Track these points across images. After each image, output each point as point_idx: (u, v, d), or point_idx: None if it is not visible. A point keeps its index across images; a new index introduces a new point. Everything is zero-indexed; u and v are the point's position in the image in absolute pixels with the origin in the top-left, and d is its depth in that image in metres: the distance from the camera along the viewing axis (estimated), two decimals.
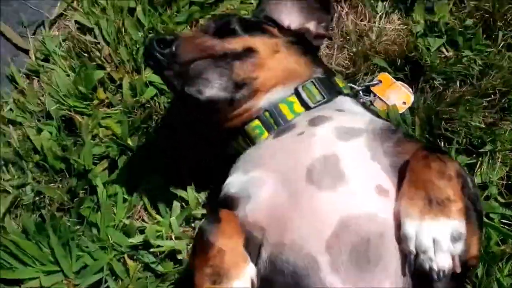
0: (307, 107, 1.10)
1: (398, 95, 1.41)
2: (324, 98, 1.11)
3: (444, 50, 1.39)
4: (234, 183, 1.06)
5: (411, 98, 1.41)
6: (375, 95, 1.43)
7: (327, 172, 0.94)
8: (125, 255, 1.37)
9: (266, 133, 1.09)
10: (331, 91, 1.14)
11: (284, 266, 0.90)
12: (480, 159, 1.35)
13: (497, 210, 1.30)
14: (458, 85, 1.36)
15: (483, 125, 1.32)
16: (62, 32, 1.58)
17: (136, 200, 1.42)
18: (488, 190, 1.33)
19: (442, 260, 0.81)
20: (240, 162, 1.11)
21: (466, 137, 1.35)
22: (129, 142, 1.41)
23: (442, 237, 0.82)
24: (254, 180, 1.02)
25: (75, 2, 1.56)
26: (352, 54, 1.42)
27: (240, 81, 1.07)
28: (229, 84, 1.06)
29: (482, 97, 1.34)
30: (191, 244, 1.34)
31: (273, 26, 1.25)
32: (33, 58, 1.58)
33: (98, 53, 1.48)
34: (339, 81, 1.21)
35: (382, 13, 1.46)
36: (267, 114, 1.10)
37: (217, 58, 1.06)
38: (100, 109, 1.46)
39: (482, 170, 1.35)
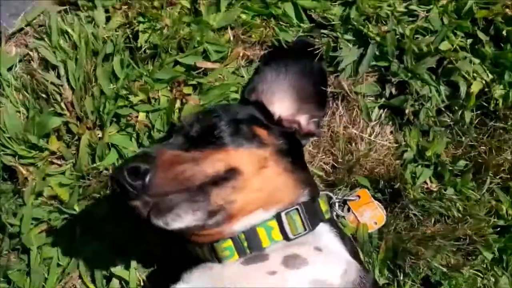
0: (286, 237, 1.04)
1: (371, 214, 1.37)
2: (305, 230, 1.05)
3: (428, 181, 1.35)
4: None
5: (383, 220, 1.37)
6: (349, 208, 1.39)
7: None
8: None
9: (236, 256, 1.03)
10: (314, 220, 1.09)
11: None
12: None
13: None
14: (432, 223, 1.35)
15: (444, 269, 1.33)
16: (20, 52, 1.37)
17: (72, 268, 1.32)
18: None
19: None
20: (197, 273, 1.06)
21: (426, 275, 1.36)
22: (76, 208, 1.29)
23: None
24: None
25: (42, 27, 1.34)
26: (336, 163, 1.35)
27: (215, 209, 0.99)
28: (203, 215, 0.97)
29: (452, 240, 1.33)
30: None
31: (264, 126, 1.16)
32: None
33: (58, 97, 1.30)
34: (322, 203, 1.14)
35: (376, 123, 1.38)
36: (242, 236, 1.03)
37: (195, 190, 0.96)
38: (49, 159, 1.31)
39: None
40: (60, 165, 1.32)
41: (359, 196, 1.37)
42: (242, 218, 1.03)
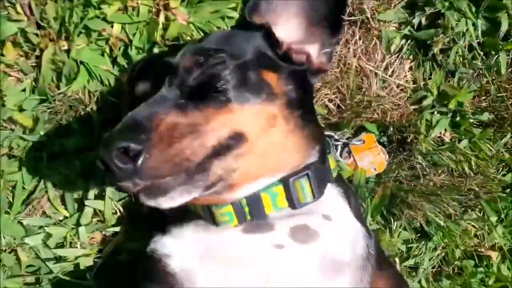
0: (291, 205, 0.95)
1: (372, 160, 1.26)
2: (314, 197, 0.96)
3: (443, 131, 1.22)
4: (177, 256, 0.94)
5: (383, 167, 1.27)
6: (349, 151, 1.27)
7: None
8: (18, 248, 1.22)
9: (235, 222, 0.94)
10: (323, 184, 0.99)
11: None
12: (422, 244, 1.34)
13: None
14: (438, 173, 1.25)
15: (442, 222, 1.27)
16: None
17: (40, 193, 1.21)
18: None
19: None
20: (190, 230, 0.97)
21: (420, 224, 1.31)
22: (41, 133, 1.13)
23: None
24: (208, 274, 0.91)
25: None
26: (342, 103, 1.19)
27: (214, 181, 0.86)
28: (199, 192, 0.85)
29: (456, 195, 1.26)
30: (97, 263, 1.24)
31: (272, 67, 0.98)
32: None
33: None
34: (331, 161, 1.04)
35: (395, 56, 1.19)
36: (244, 201, 0.93)
37: (194, 170, 0.82)
38: (4, 70, 1.10)
39: (421, 252, 1.35)
40: (19, 79, 1.13)
41: (363, 141, 1.25)
42: (244, 186, 0.92)
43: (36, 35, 1.08)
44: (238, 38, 1.01)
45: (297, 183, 0.94)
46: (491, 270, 1.36)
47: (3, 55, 1.10)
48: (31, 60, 1.13)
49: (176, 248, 0.95)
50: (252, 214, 0.93)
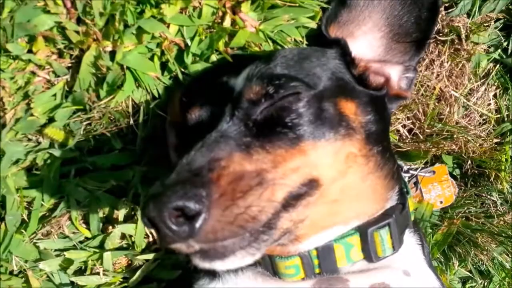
0: (368, 257, 0.87)
1: (440, 193, 1.20)
2: (393, 250, 0.88)
3: None
4: None
5: (451, 201, 1.21)
6: (416, 182, 1.20)
7: None
8: (30, 273, 1.12)
9: (302, 275, 0.86)
10: (403, 233, 0.92)
11: None
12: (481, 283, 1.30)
13: None
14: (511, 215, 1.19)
15: (508, 265, 1.23)
16: None
17: (60, 212, 1.10)
18: None
19: None
20: (246, 279, 0.90)
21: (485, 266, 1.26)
22: (72, 148, 1.01)
23: None
24: None
25: None
26: (419, 130, 1.11)
27: (280, 235, 0.77)
28: (264, 249, 0.75)
29: None
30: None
31: (349, 94, 0.88)
32: None
33: None
34: (411, 203, 0.97)
35: (481, 83, 1.11)
36: (314, 253, 0.85)
37: (259, 230, 0.72)
38: (31, 69, 0.97)
39: None
40: (49, 81, 0.99)
41: (434, 172, 1.18)
42: (312, 237, 0.84)
43: (77, 32, 0.94)
44: (311, 60, 0.90)
45: (376, 234, 0.87)
46: None
47: (32, 51, 0.97)
48: (65, 61, 0.99)
49: None
50: (322, 266, 0.86)
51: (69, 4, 0.93)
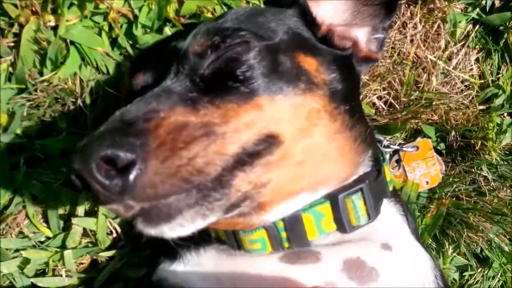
0: (341, 227, 0.77)
1: (425, 171, 1.08)
2: (369, 218, 0.79)
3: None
4: (194, 285, 0.77)
5: (438, 180, 1.09)
6: (399, 160, 1.07)
7: None
8: None
9: (269, 249, 0.76)
10: (379, 201, 0.81)
11: None
12: (479, 271, 1.15)
13: None
14: (504, 188, 1.06)
15: (507, 247, 1.08)
16: None
17: (16, 208, 0.99)
18: None
19: None
20: (209, 257, 0.80)
21: (480, 249, 1.12)
22: (19, 131, 0.91)
23: None
24: None
25: None
26: (396, 100, 0.98)
27: (238, 200, 0.66)
28: (217, 215, 0.64)
29: None
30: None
31: (310, 50, 0.78)
32: None
33: None
34: (387, 171, 0.87)
35: (460, 45, 0.99)
36: (280, 224, 0.75)
37: (209, 186, 0.61)
38: None
39: (474, 280, 1.17)
40: None
41: (417, 147, 1.05)
42: (278, 205, 0.73)
43: (15, 6, 0.86)
44: (265, 16, 0.81)
45: (348, 200, 0.77)
46: None
47: None
48: (7, 40, 0.91)
49: (193, 277, 0.78)
50: (291, 239, 0.75)
51: None
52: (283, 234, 0.76)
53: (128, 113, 0.62)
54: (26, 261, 1.03)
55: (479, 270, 1.16)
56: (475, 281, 1.17)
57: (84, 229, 1.05)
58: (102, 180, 0.55)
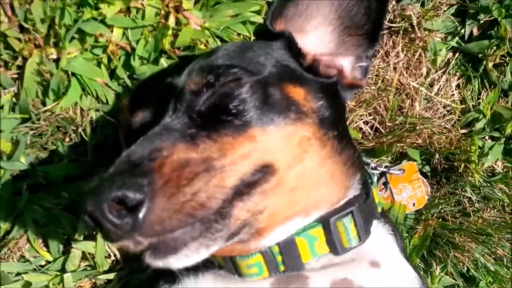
0: (334, 250, 0.80)
1: (412, 193, 1.11)
2: (360, 240, 0.81)
3: (495, 162, 1.05)
4: None
5: (424, 202, 1.12)
6: (386, 183, 1.09)
7: None
8: None
9: (266, 274, 0.79)
10: (369, 222, 0.84)
11: None
12: None
13: None
14: (487, 209, 1.08)
15: (492, 267, 1.09)
16: None
17: (18, 232, 1.01)
18: None
19: None
20: (206, 281, 0.82)
21: (467, 268, 1.13)
22: (22, 160, 0.93)
23: None
24: None
25: None
26: (381, 125, 1.02)
27: (237, 228, 0.69)
28: (220, 245, 0.68)
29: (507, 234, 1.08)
30: None
31: (297, 80, 0.81)
32: None
33: None
34: (375, 193, 0.89)
35: (441, 72, 1.03)
36: (275, 249, 0.78)
37: (211, 219, 0.65)
38: None
39: None
40: None
41: (403, 170, 1.08)
42: (274, 230, 0.76)
43: (19, 40, 0.90)
44: (254, 50, 0.85)
45: (339, 223, 0.80)
46: None
47: None
48: (11, 72, 0.94)
49: None
50: (286, 263, 0.78)
51: (9, 12, 0.90)
52: (279, 258, 0.78)
53: (134, 154, 0.66)
54: (27, 285, 1.06)
55: None
56: None
57: (83, 252, 1.08)
58: (114, 220, 0.59)
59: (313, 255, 0.79)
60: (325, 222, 0.78)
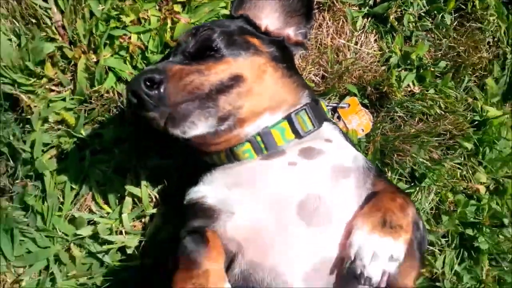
0: (298, 135, 1.13)
1: (359, 122, 1.48)
2: (314, 127, 1.14)
3: (411, 84, 1.42)
4: (211, 194, 1.11)
5: (370, 127, 1.48)
6: (339, 116, 1.45)
7: (318, 212, 1.04)
8: (72, 245, 1.37)
9: (255, 156, 1.12)
10: (320, 118, 1.18)
11: (257, 285, 1.01)
12: (417, 189, 1.49)
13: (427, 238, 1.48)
14: (416, 121, 1.44)
15: (428, 163, 1.43)
16: None
17: (85, 191, 1.38)
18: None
19: (374, 270, 0.95)
20: (217, 175, 1.14)
21: (411, 169, 1.47)
22: (82, 132, 1.32)
23: (382, 253, 0.96)
24: (240, 197, 1.08)
25: None
26: (325, 73, 1.41)
27: (225, 114, 1.05)
28: (214, 121, 1.04)
29: (434, 136, 1.44)
30: (142, 242, 1.38)
31: (254, 35, 1.20)
32: None
33: (48, 21, 1.31)
34: (323, 105, 1.24)
35: (361, 32, 1.43)
36: (258, 138, 1.11)
37: (204, 98, 1.02)
38: (47, 86, 1.32)
39: (417, 198, 1.50)
40: (59, 92, 1.34)
41: (348, 104, 1.44)
42: (253, 121, 1.10)
43: (70, 49, 1.32)
44: (222, 20, 1.28)
45: (298, 116, 1.13)
46: (482, 202, 1.49)
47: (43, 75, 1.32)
48: (67, 75, 1.35)
49: (208, 189, 1.12)
50: (267, 147, 1.10)
51: (62, 31, 1.29)
52: (262, 145, 1.10)
53: (151, 66, 1.06)
54: (96, 227, 1.38)
55: (417, 189, 1.50)
56: (417, 199, 1.51)
57: (134, 200, 1.43)
58: (147, 90, 0.97)
59: (284, 141, 1.11)
60: (288, 117, 1.12)
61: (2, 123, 1.31)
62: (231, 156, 1.14)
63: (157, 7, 1.38)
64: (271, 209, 1.05)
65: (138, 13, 1.33)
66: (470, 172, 1.55)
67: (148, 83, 0.98)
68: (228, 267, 1.04)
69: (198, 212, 1.10)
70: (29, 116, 1.32)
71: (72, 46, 1.35)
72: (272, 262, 1.01)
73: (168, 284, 0.98)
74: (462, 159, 1.53)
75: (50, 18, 1.34)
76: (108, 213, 1.42)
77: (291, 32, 1.32)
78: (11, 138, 1.30)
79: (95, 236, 1.40)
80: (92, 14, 1.34)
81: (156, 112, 0.99)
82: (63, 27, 1.33)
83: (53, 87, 1.37)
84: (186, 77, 1.01)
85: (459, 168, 1.54)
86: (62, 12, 1.34)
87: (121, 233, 1.41)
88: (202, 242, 1.01)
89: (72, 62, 1.36)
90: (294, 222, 1.03)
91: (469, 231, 1.54)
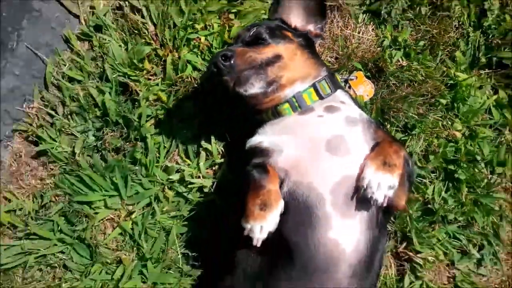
0: (320, 97, 1.62)
1: (364, 89, 2.00)
2: (331, 91, 1.66)
3: (400, 59, 1.95)
4: (265, 140, 1.59)
5: (372, 92, 2.02)
6: (350, 86, 1.98)
7: (339, 146, 1.49)
8: (165, 187, 1.93)
9: (292, 112, 1.61)
10: (335, 86, 1.69)
11: (299, 197, 1.45)
12: (410, 137, 2.00)
13: (415, 171, 1.99)
14: (405, 86, 1.96)
15: (416, 117, 1.95)
16: (108, 3, 1.90)
17: (173, 148, 1.94)
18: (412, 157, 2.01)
19: (379, 195, 1.39)
20: (268, 127, 1.63)
21: (404, 122, 1.98)
22: (171, 105, 1.87)
23: (384, 184, 1.39)
24: (285, 140, 1.55)
25: None
26: (338, 55, 1.94)
27: (271, 80, 1.58)
28: (264, 84, 1.57)
29: (419, 96, 1.95)
30: (214, 183, 1.92)
31: (288, 30, 1.74)
32: (83, 23, 1.90)
33: (146, 31, 1.86)
34: (337, 77, 1.75)
35: (362, 24, 1.95)
36: (293, 99, 1.61)
37: (258, 68, 1.56)
38: (145, 76, 1.88)
39: (411, 144, 2.01)
40: (155, 79, 1.91)
41: (356, 77, 1.97)
42: (289, 87, 1.63)
43: (161, 49, 1.86)
44: (265, 21, 1.84)
45: (320, 84, 1.66)
46: (459, 144, 2.00)
47: (144, 68, 1.88)
48: (159, 68, 1.91)
49: (263, 137, 1.66)
50: (300, 105, 1.64)
51: (155, 38, 1.85)
52: (296, 104, 1.61)
53: (222, 49, 1.63)
54: (182, 173, 1.95)
55: (410, 137, 2.01)
56: (410, 144, 2.02)
57: (206, 154, 1.98)
58: (223, 62, 1.52)
59: (311, 101, 1.63)
60: (313, 85, 1.65)
61: (117, 103, 1.89)
62: (275, 112, 1.64)
63: (218, 16, 1.96)
64: (307, 146, 1.51)
65: (205, 22, 1.91)
66: (449, 122, 2.08)
67: (223, 58, 1.51)
68: (280, 187, 1.48)
69: (258, 153, 1.59)
70: (136, 97, 1.91)
71: (162, 47, 1.95)
72: (308, 180, 1.47)
73: (243, 201, 1.43)
74: (442, 113, 2.06)
75: (147, 29, 1.94)
76: (189, 164, 1.99)
77: (311, 27, 1.86)
78: (125, 112, 1.88)
79: (181, 180, 1.96)
80: (175, 25, 1.93)
81: (228, 76, 1.51)
82: (156, 34, 1.93)
83: (151, 77, 1.96)
84: (246, 54, 1.56)
85: (440, 120, 2.06)
86: (155, 24, 1.94)
87: (199, 177, 1.96)
88: (264, 172, 1.47)
89: (163, 59, 1.95)
90: (323, 153, 1.50)
91: (451, 167, 2.05)
